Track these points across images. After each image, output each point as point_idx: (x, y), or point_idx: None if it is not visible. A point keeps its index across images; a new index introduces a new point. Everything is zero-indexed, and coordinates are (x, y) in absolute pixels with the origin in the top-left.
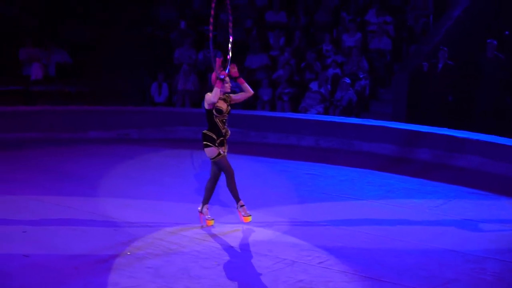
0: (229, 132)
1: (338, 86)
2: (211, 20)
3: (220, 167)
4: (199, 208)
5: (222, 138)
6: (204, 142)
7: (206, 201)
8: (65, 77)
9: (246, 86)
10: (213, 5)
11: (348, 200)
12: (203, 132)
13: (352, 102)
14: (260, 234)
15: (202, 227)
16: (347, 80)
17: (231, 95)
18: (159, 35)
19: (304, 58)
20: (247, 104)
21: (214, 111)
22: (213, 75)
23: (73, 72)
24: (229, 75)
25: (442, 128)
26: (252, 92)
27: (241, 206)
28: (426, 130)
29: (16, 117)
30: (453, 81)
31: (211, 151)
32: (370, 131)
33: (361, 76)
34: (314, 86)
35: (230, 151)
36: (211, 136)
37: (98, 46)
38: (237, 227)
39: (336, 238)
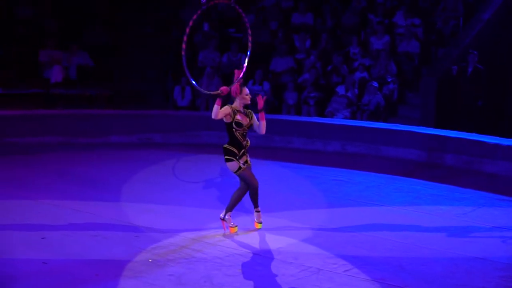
0: (249, 142)
1: (365, 90)
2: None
3: (243, 180)
4: (221, 215)
5: (243, 150)
6: (226, 157)
7: (230, 209)
8: (86, 80)
9: (263, 124)
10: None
11: (375, 206)
12: (224, 147)
13: (380, 106)
14: (284, 241)
15: (224, 234)
16: (375, 84)
17: (254, 115)
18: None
19: (331, 61)
20: (272, 108)
21: (233, 124)
22: (233, 87)
23: (95, 75)
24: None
25: (471, 134)
26: (263, 133)
27: (257, 212)
28: (455, 135)
29: (36, 121)
30: (482, 85)
31: (232, 166)
32: (398, 136)
33: (389, 80)
34: (340, 90)
35: (253, 156)
36: (232, 151)
37: (120, 48)
38: (261, 234)
39: (362, 245)
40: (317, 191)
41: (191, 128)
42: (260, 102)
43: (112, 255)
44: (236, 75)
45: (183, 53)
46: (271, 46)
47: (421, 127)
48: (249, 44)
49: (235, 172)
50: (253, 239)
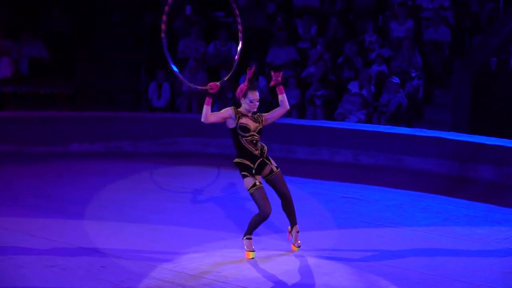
0: (266, 147)
1: (384, 87)
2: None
3: (254, 201)
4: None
5: (260, 160)
6: (241, 173)
7: (249, 232)
8: (41, 76)
9: (284, 98)
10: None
11: (396, 230)
12: (235, 162)
13: (402, 107)
14: (285, 270)
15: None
16: (396, 80)
17: (263, 114)
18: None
19: (342, 52)
20: (269, 109)
21: (238, 129)
22: (238, 88)
23: (51, 69)
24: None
25: None
26: (288, 107)
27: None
28: (494, 143)
29: None
30: None
31: (246, 182)
32: (424, 144)
33: (413, 75)
34: (354, 87)
35: None
36: (245, 164)
37: (83, 38)
38: (247, 263)
39: (382, 278)
40: (324, 211)
41: (169, 134)
42: (275, 78)
43: None
44: (248, 75)
45: (162, 35)
46: (268, 33)
47: (452, 132)
48: (240, 35)
49: (248, 191)
50: (247, 269)
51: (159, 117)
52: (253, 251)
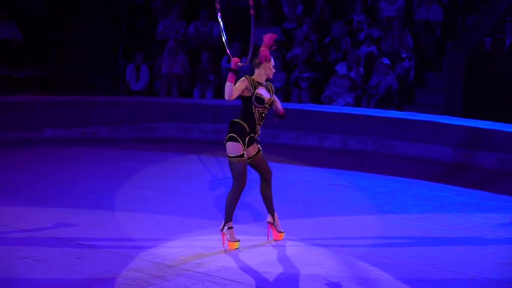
0: (260, 131)
1: (373, 69)
2: None
3: (232, 172)
4: (221, 226)
5: (252, 135)
6: (231, 134)
7: (228, 218)
8: (14, 59)
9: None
10: None
11: (385, 218)
12: (233, 121)
13: (392, 90)
14: (270, 263)
15: (225, 250)
16: (386, 61)
17: (274, 95)
18: (140, 3)
19: (329, 32)
20: None
21: (254, 99)
22: (263, 51)
23: (25, 52)
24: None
25: (509, 125)
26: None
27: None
28: (488, 127)
29: None
30: None
31: (234, 148)
32: (415, 129)
33: (403, 56)
34: (341, 69)
35: (225, 154)
36: (243, 127)
37: (59, 19)
38: (229, 253)
39: (371, 268)
40: (311, 199)
41: (148, 118)
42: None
43: (47, 283)
44: (268, 39)
45: (219, 14)
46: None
47: (445, 116)
48: (218, 14)
49: (230, 158)
50: (229, 260)
51: (137, 101)
52: (238, 241)
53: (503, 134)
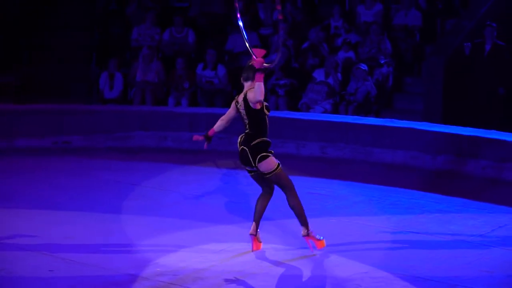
0: None
1: (351, 75)
2: None
3: (279, 182)
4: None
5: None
6: (263, 154)
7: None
8: None
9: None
10: None
11: (364, 227)
12: (261, 140)
13: (370, 96)
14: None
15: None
16: (364, 67)
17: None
18: (114, 10)
19: (306, 38)
20: (229, 99)
21: (265, 109)
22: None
23: None
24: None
25: (490, 131)
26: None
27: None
28: (469, 133)
29: None
30: (504, 67)
31: (270, 164)
32: (395, 135)
33: (382, 62)
34: (319, 75)
35: (209, 161)
36: (267, 142)
37: (30, 23)
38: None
39: (350, 278)
40: (288, 208)
41: (122, 127)
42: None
43: None
44: (259, 53)
45: (238, 15)
46: (226, 18)
47: (425, 122)
48: (238, 15)
49: (271, 173)
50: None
51: (111, 110)
52: (323, 239)
53: (484, 140)
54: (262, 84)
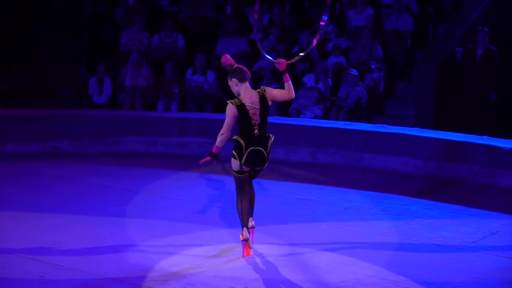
0: None
1: (342, 80)
2: None
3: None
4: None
5: None
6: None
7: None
8: None
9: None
10: None
11: (354, 233)
12: (270, 136)
13: (361, 101)
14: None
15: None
16: (354, 72)
17: None
18: (102, 13)
19: (296, 43)
20: (219, 105)
21: None
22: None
23: None
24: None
25: (481, 137)
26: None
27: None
28: (461, 139)
29: None
30: (496, 72)
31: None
32: (386, 141)
33: (373, 67)
34: (309, 80)
35: (196, 167)
36: None
37: (18, 28)
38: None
39: (339, 285)
40: (277, 214)
41: (112, 132)
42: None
43: None
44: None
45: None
46: (216, 23)
47: (417, 128)
48: (255, 16)
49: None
50: (195, 275)
51: (101, 115)
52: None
53: (476, 146)
54: (290, 83)
